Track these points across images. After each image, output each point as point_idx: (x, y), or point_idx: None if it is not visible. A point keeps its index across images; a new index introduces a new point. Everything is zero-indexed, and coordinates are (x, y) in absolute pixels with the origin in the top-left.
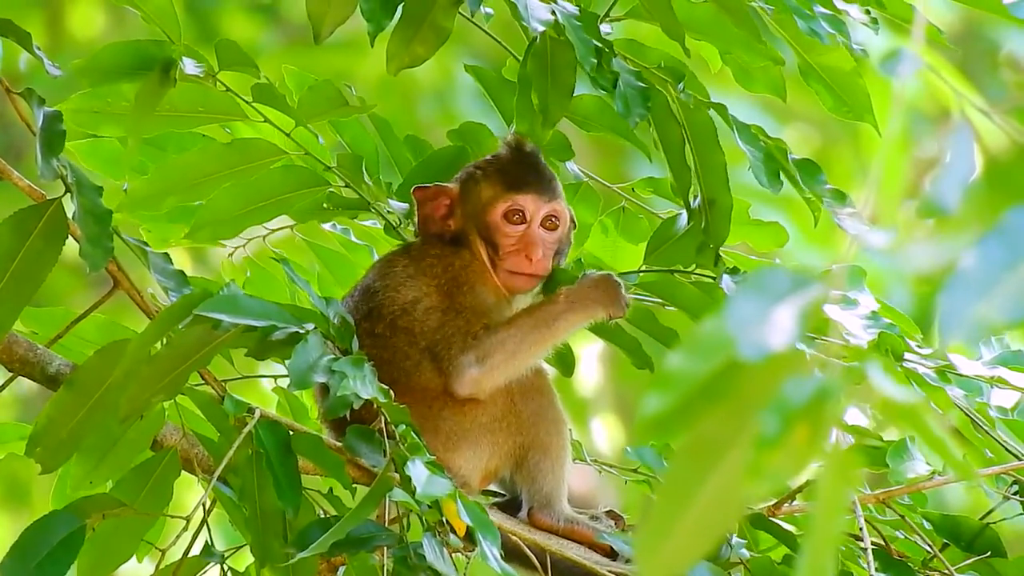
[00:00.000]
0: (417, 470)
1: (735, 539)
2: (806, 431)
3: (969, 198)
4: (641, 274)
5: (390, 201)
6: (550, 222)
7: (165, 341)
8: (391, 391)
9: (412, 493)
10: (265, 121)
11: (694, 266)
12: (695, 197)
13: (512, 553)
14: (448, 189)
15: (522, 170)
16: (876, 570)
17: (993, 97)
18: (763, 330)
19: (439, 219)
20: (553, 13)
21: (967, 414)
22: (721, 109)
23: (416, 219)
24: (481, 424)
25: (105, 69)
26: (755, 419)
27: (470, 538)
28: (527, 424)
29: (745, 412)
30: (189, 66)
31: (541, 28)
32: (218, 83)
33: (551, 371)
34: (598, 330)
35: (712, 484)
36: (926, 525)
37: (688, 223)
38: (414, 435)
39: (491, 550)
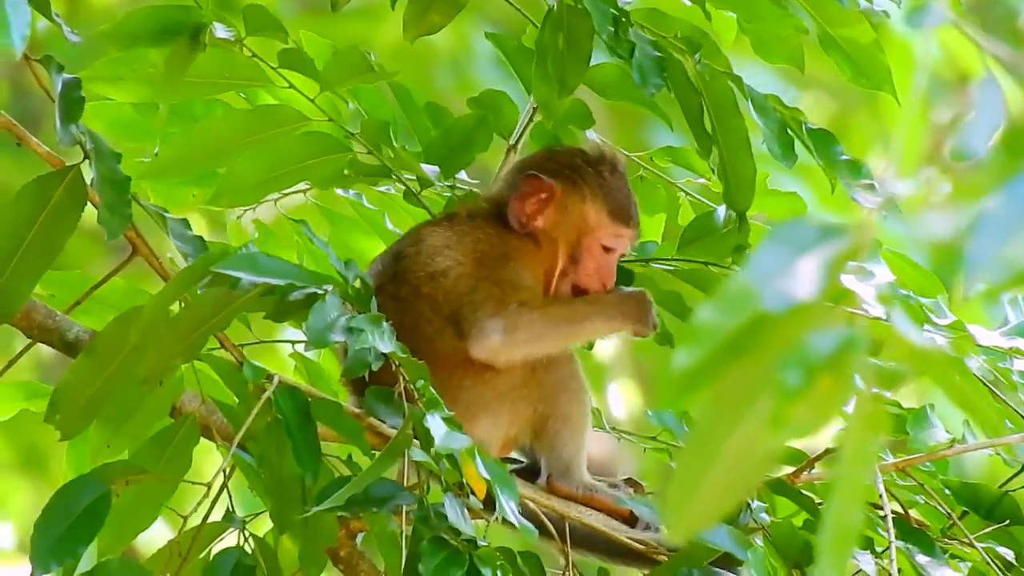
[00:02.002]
0: (435, 424)
1: (755, 503)
2: (829, 383)
3: (990, 159)
4: (676, 263)
5: (423, 166)
6: (627, 251)
7: (183, 305)
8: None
9: (430, 447)
10: (290, 87)
11: (730, 261)
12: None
13: (530, 521)
14: (554, 188)
15: (625, 199)
16: (895, 538)
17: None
18: (787, 281)
19: (528, 213)
20: None
21: (986, 384)
22: (737, 81)
23: (512, 206)
24: (501, 393)
25: (133, 34)
26: (779, 372)
27: (489, 502)
28: (548, 393)
29: (770, 365)
30: (219, 31)
31: None
32: (244, 48)
33: None
34: None
35: (737, 439)
36: (946, 492)
37: (725, 221)
38: (432, 391)
39: (509, 505)
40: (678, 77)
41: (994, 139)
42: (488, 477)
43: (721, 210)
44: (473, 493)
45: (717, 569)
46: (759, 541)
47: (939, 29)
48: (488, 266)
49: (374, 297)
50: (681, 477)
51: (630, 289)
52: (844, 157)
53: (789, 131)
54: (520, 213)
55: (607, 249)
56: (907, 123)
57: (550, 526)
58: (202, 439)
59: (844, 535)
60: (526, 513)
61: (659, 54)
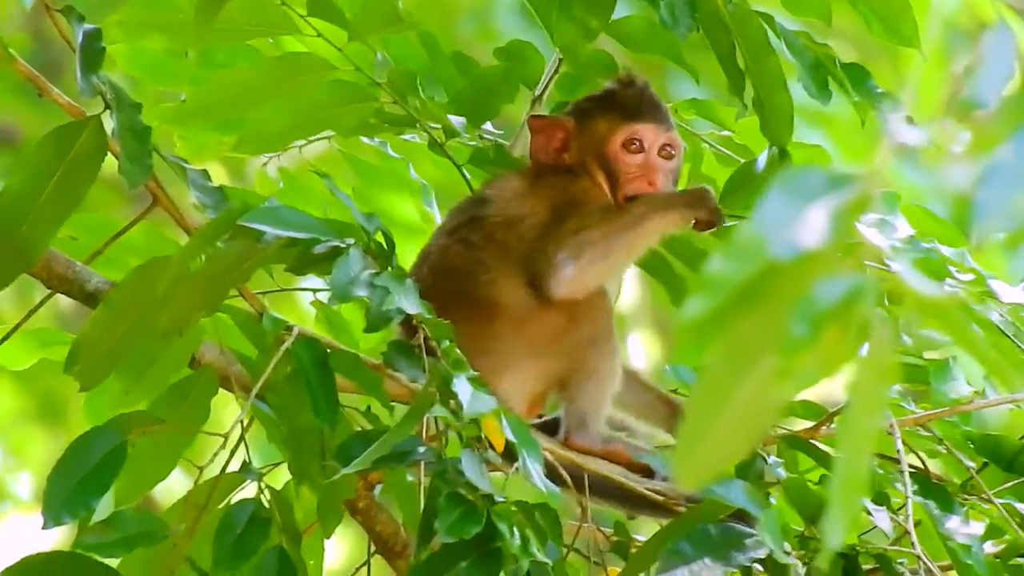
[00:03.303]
0: (463, 387)
1: (772, 459)
2: (837, 332)
3: (1006, 107)
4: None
5: (449, 117)
6: (666, 151)
7: (204, 258)
8: (447, 303)
9: (456, 411)
10: (318, 36)
11: None
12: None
13: (547, 472)
14: (564, 122)
15: (638, 101)
16: (914, 494)
17: None
18: (795, 229)
19: (553, 151)
20: None
21: (1008, 336)
22: (769, 19)
23: (530, 147)
24: (536, 347)
25: None
26: (787, 322)
27: (508, 455)
28: (581, 347)
29: (778, 314)
30: None
31: None
32: None
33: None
34: (647, 266)
35: (746, 388)
36: (969, 444)
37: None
38: (458, 352)
39: (534, 466)
40: (709, 15)
41: (1007, 88)
42: (512, 438)
43: (763, 159)
44: (492, 446)
45: (732, 524)
46: (773, 499)
47: None
48: (559, 211)
49: (445, 238)
50: (690, 426)
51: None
52: (879, 91)
53: (823, 68)
54: (544, 152)
55: (634, 150)
56: (923, 71)
57: (566, 476)
58: (221, 390)
59: (854, 483)
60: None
61: None
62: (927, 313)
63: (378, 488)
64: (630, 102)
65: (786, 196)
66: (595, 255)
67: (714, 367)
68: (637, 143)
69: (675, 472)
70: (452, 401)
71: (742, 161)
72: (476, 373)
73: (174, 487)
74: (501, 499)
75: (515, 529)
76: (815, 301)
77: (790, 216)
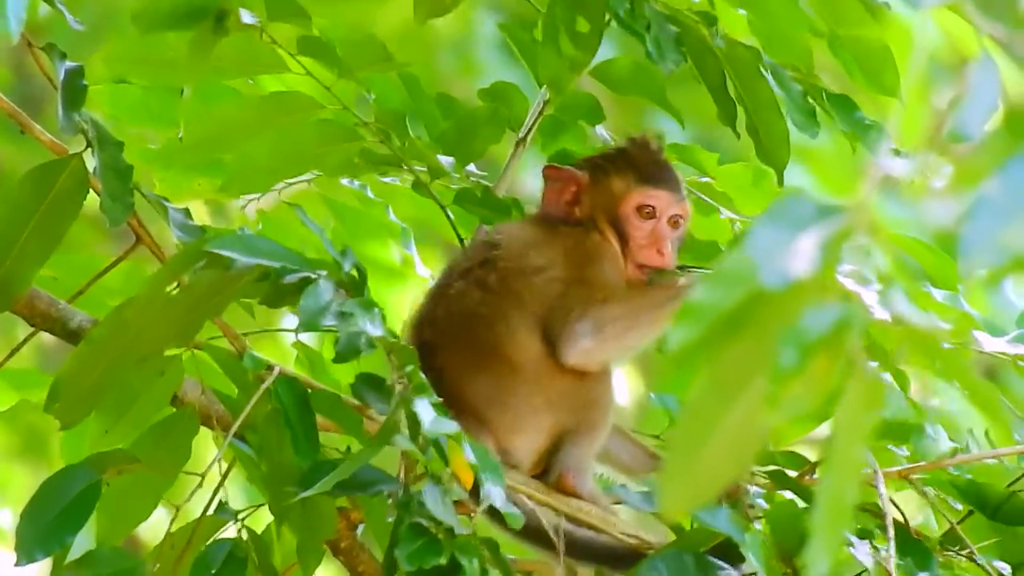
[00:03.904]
0: (424, 408)
1: (753, 489)
2: (825, 361)
3: (989, 142)
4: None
5: (439, 157)
6: (675, 221)
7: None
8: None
9: (418, 432)
10: (307, 74)
11: None
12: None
13: (531, 531)
14: (578, 175)
15: (654, 166)
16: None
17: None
18: (785, 258)
19: (565, 203)
20: None
21: (991, 379)
22: (754, 51)
23: (542, 197)
24: (551, 402)
25: (160, 16)
26: (775, 350)
27: (476, 494)
28: (587, 402)
29: (767, 342)
30: (245, 16)
31: None
32: (265, 34)
33: None
34: None
35: (733, 416)
36: (951, 503)
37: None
38: (421, 377)
39: (495, 491)
40: (697, 47)
41: (992, 121)
42: (474, 462)
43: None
44: (459, 482)
45: (712, 558)
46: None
47: (941, 14)
48: (577, 265)
49: (461, 280)
50: (676, 454)
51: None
52: (866, 121)
53: (810, 99)
54: (555, 204)
55: (647, 216)
56: (907, 104)
57: (551, 535)
58: (205, 429)
59: (838, 513)
60: (528, 525)
61: (676, 28)
62: (914, 344)
63: (360, 528)
64: (646, 166)
65: (776, 225)
66: (615, 332)
67: (701, 394)
68: (650, 209)
69: (661, 500)
70: (420, 437)
71: (722, 209)
72: (438, 399)
73: (155, 527)
74: (465, 531)
75: (476, 563)
76: (804, 330)
77: (780, 244)
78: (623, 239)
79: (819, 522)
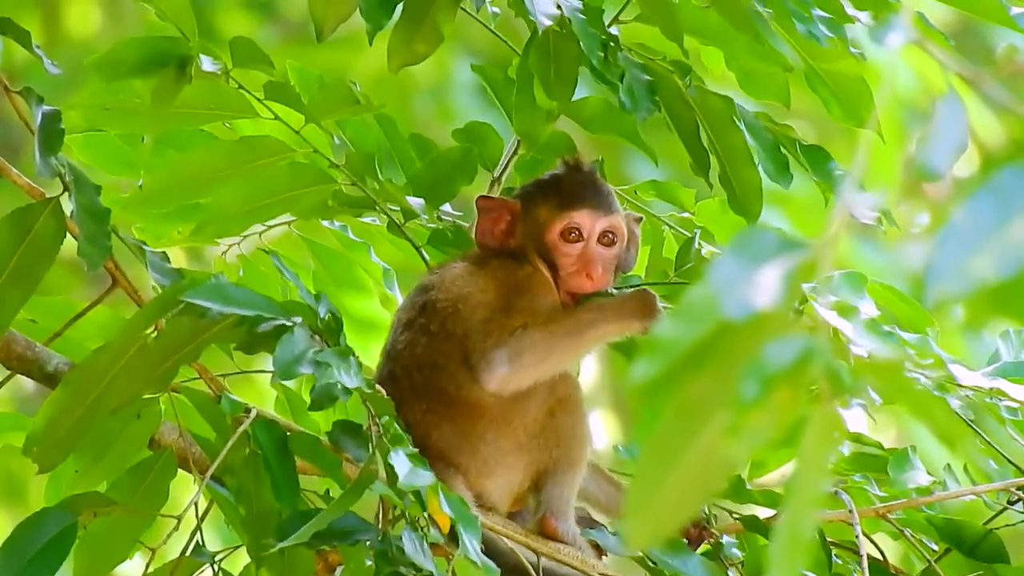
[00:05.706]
0: (400, 461)
1: (726, 539)
2: (788, 393)
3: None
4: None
5: (408, 199)
6: (607, 238)
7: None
8: (428, 400)
9: (395, 483)
10: (276, 119)
11: None
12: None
13: (511, 569)
14: (511, 204)
15: (577, 187)
16: None
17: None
18: (748, 290)
19: (500, 233)
20: (559, 7)
21: (969, 425)
22: (727, 101)
23: (475, 229)
24: (520, 444)
25: (121, 65)
26: (737, 383)
27: (454, 537)
28: (562, 439)
29: (729, 374)
30: (206, 63)
31: (547, 22)
32: (231, 80)
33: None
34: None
35: (696, 447)
36: (928, 542)
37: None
38: (397, 427)
39: (471, 543)
40: (671, 96)
41: (960, 157)
42: (451, 515)
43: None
44: (437, 527)
45: None
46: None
47: (914, 58)
48: (506, 296)
49: (406, 331)
50: (640, 485)
51: (633, 289)
52: (839, 172)
53: (783, 149)
54: (490, 234)
55: (573, 239)
56: (874, 145)
57: (530, 570)
58: (182, 472)
59: (796, 543)
60: (498, 551)
61: (649, 77)
62: (876, 376)
63: (339, 571)
64: (571, 189)
65: (739, 257)
66: (533, 358)
67: (664, 426)
68: (575, 232)
69: (625, 532)
70: (396, 484)
71: (702, 244)
72: (414, 450)
73: (132, 571)
74: None
75: None
76: (766, 362)
77: (743, 277)
78: (553, 267)
79: (776, 555)
